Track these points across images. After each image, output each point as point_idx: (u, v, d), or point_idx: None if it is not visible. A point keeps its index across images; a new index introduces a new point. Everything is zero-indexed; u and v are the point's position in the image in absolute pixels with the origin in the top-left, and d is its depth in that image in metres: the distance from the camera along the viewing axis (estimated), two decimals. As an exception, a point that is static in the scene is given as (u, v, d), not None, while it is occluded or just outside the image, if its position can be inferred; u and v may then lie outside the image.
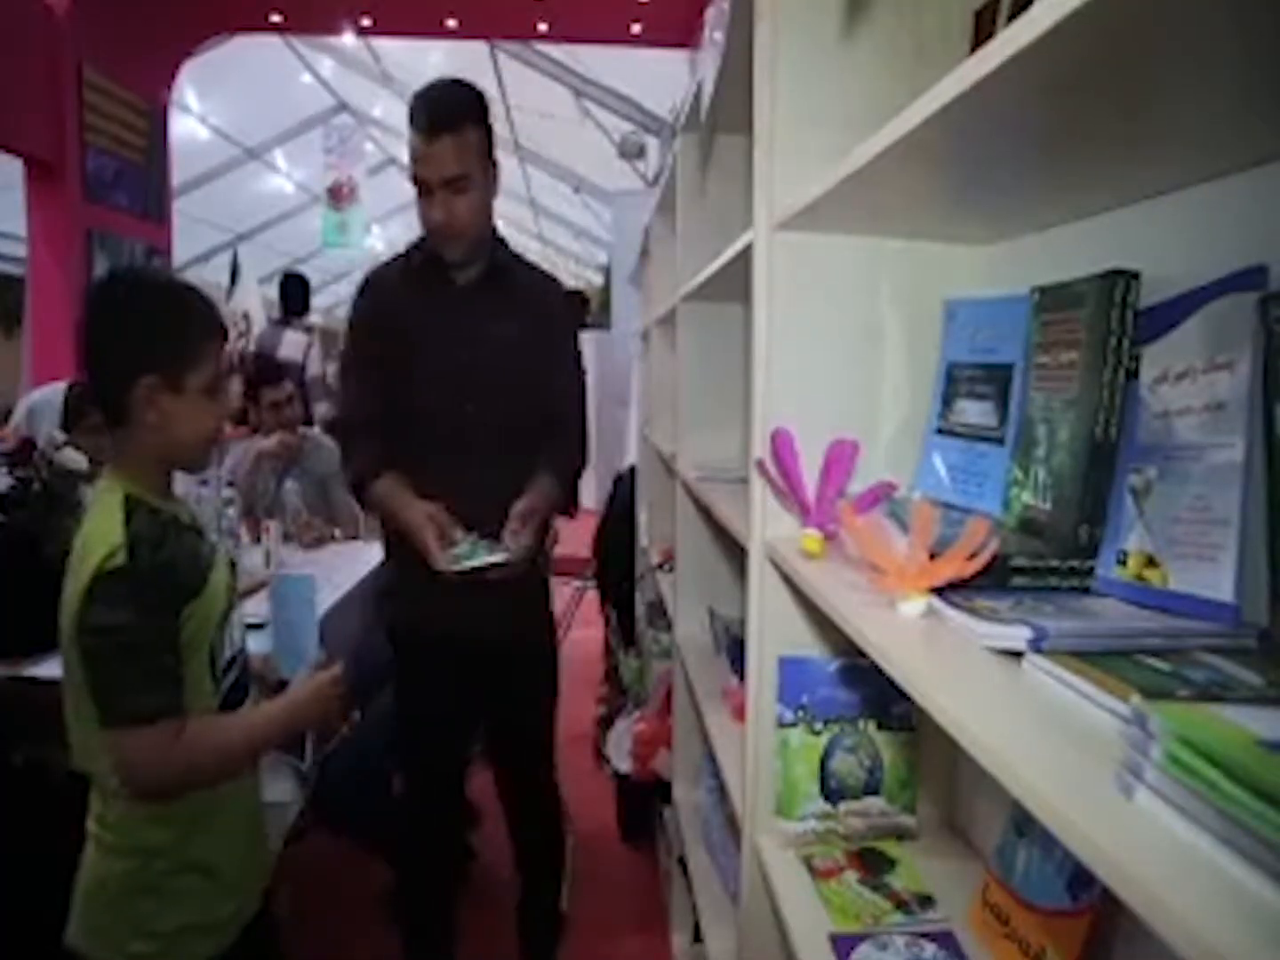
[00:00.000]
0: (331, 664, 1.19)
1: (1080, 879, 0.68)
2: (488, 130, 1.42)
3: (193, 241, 7.62)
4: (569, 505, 1.56)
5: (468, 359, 1.45)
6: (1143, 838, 0.36)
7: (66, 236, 3.48)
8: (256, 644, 1.63)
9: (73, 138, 3.47)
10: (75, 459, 1.84)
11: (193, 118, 6.56)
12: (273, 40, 5.66)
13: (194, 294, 1.08)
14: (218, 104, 6.62)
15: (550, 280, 1.60)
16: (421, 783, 1.63)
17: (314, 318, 5.34)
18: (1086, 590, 0.65)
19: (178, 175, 4.56)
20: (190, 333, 1.01)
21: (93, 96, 3.56)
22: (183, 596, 0.99)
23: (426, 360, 1.47)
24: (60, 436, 1.95)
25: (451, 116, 1.35)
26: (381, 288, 1.52)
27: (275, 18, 4.24)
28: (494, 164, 1.44)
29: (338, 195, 7.58)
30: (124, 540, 0.93)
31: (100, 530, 0.96)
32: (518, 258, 1.55)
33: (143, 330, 0.99)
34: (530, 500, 1.43)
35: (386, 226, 10.62)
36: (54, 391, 2.09)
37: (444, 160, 1.35)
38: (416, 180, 1.38)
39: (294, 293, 4.48)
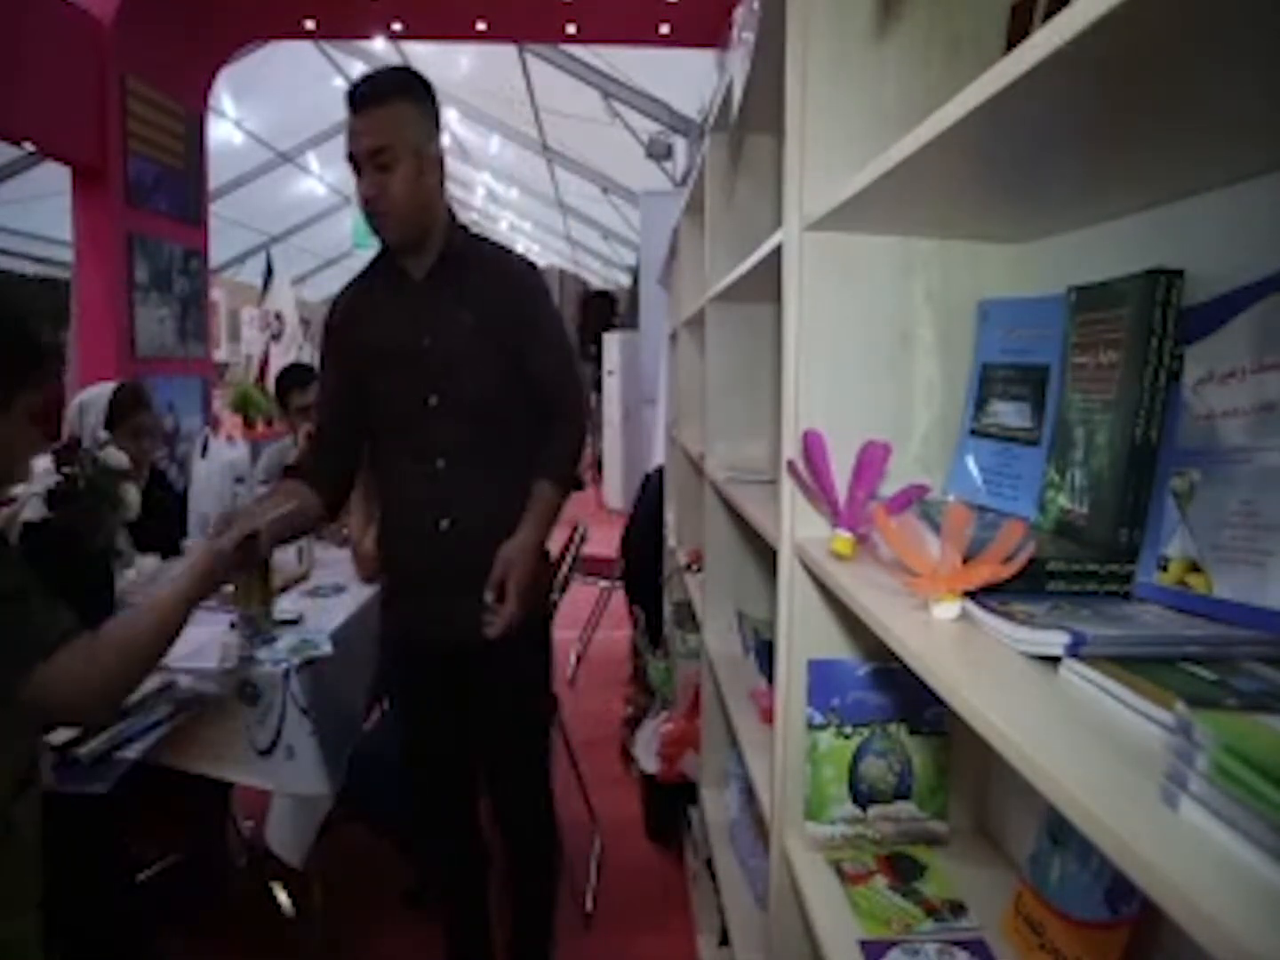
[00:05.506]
0: (222, 526, 1.19)
1: (1120, 890, 0.67)
2: (426, 114, 1.38)
3: (228, 244, 7.79)
4: (571, 484, 1.50)
5: (424, 349, 1.40)
6: (1188, 850, 0.35)
7: (109, 240, 3.57)
8: (288, 640, 1.68)
9: (116, 145, 3.55)
10: (118, 457, 1.88)
11: (228, 122, 6.70)
12: (305, 45, 5.76)
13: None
14: (252, 109, 6.75)
15: (511, 258, 1.50)
16: (426, 787, 1.60)
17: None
18: (1125, 596, 0.64)
19: (213, 179, 4.65)
20: None
21: (135, 105, 3.64)
22: None
23: (384, 357, 1.43)
24: (104, 435, 1.99)
25: (376, 90, 1.33)
26: (344, 302, 1.50)
27: (309, 24, 4.30)
28: (436, 149, 1.39)
29: (369, 198, 7.66)
30: None
31: None
32: (479, 240, 1.49)
33: None
34: (508, 553, 1.36)
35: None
36: (102, 390, 2.13)
37: (366, 132, 1.33)
38: (350, 160, 1.35)
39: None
